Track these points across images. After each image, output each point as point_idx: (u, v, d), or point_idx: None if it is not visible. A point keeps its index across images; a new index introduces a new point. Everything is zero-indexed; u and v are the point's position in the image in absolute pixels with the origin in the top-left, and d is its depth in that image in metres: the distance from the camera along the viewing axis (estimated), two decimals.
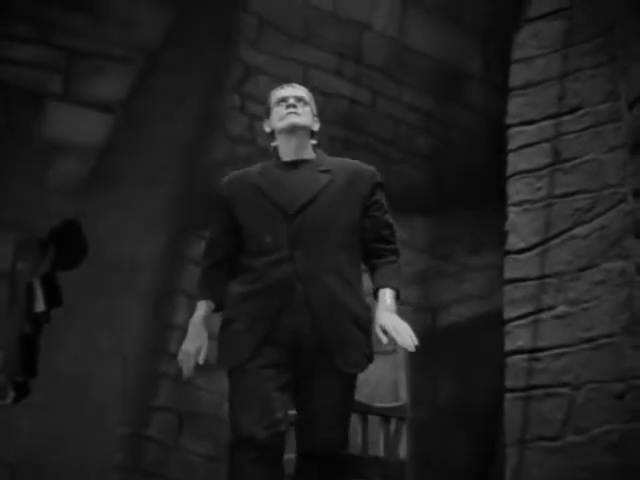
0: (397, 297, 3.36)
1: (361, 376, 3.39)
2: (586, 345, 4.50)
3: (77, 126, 6.17)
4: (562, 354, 4.59)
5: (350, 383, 3.37)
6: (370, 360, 3.36)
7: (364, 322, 3.34)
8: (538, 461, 4.57)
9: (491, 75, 7.11)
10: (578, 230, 4.69)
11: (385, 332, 3.24)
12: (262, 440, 3.20)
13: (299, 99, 3.51)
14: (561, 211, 4.78)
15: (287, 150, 3.47)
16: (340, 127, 6.68)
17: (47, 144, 6.13)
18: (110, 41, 6.18)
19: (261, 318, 3.28)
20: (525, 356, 4.73)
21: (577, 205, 4.72)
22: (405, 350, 3.29)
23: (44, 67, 6.11)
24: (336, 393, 3.32)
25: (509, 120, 5.13)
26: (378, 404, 4.36)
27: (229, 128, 6.57)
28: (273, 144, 3.52)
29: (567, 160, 4.82)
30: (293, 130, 3.46)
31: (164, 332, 6.29)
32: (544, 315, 4.72)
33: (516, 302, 4.84)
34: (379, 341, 3.29)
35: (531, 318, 4.76)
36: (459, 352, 6.62)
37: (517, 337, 4.79)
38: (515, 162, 5.04)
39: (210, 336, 3.39)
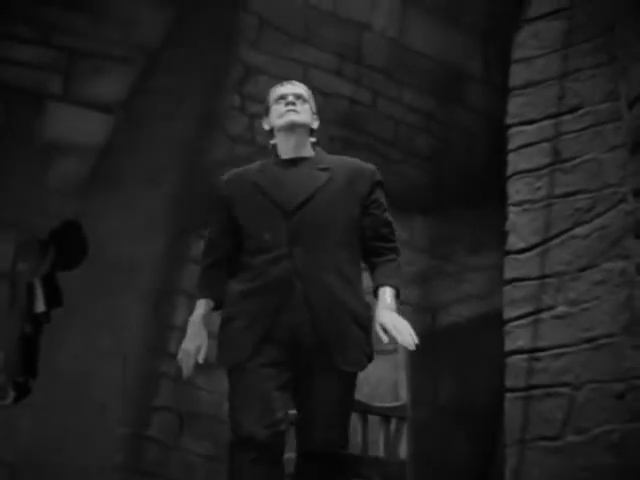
0: (397, 295, 3.35)
1: (361, 375, 3.38)
2: (586, 345, 4.50)
3: (77, 126, 6.17)
4: (562, 354, 4.58)
5: (350, 382, 3.36)
6: (370, 359, 3.35)
7: (364, 320, 3.33)
8: (538, 461, 4.56)
9: (491, 75, 7.11)
10: (578, 230, 4.68)
11: (385, 330, 3.23)
12: (262, 439, 3.20)
13: (298, 97, 3.49)
14: (561, 211, 4.77)
15: (286, 148, 3.46)
16: (340, 127, 6.68)
17: (47, 144, 6.12)
18: (110, 41, 6.17)
19: (260, 316, 3.27)
20: (525, 356, 4.73)
21: (577, 205, 4.71)
22: (405, 349, 3.30)
23: (44, 67, 6.11)
24: (336, 392, 3.31)
25: (509, 120, 5.13)
26: (378, 404, 4.36)
27: (229, 128, 6.56)
28: (272, 142, 3.51)
29: (567, 160, 4.82)
30: (292, 128, 3.45)
31: (164, 332, 6.29)
32: (544, 315, 4.72)
33: (516, 302, 4.84)
34: (379, 340, 3.28)
35: (531, 318, 4.75)
36: (459, 352, 6.62)
37: (517, 337, 4.79)
38: (515, 162, 5.04)
39: (210, 335, 3.38)
